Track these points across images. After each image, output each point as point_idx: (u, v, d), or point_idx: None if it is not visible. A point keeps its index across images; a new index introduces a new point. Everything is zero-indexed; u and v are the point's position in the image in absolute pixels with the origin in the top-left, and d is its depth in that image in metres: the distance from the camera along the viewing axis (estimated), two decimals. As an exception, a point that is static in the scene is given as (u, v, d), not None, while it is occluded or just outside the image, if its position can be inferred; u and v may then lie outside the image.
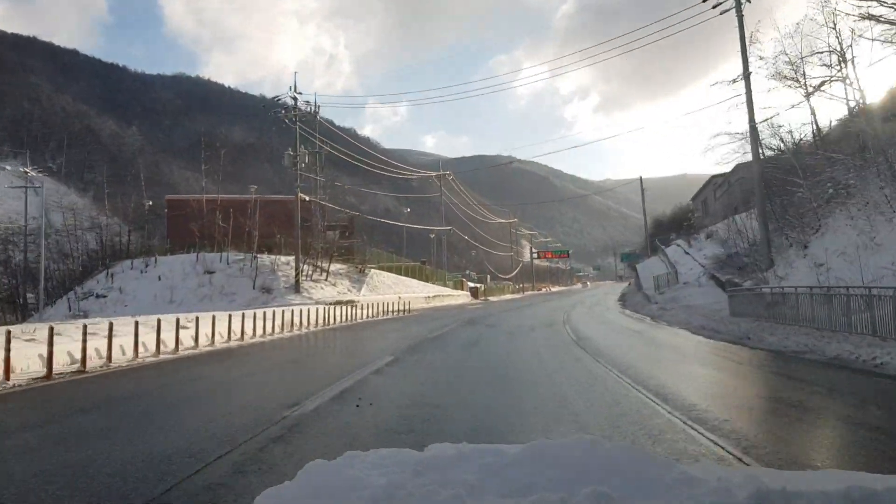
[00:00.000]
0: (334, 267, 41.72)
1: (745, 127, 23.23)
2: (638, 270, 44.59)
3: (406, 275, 52.80)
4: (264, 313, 21.40)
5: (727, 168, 43.18)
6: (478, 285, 68.61)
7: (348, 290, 39.22)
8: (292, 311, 24.07)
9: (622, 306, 35.96)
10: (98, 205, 64.52)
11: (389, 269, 51.48)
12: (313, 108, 44.52)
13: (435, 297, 50.60)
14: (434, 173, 63.43)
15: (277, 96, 36.40)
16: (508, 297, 77.25)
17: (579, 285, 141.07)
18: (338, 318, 26.82)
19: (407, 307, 41.35)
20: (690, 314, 22.64)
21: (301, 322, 23.53)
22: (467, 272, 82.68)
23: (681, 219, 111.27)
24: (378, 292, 41.75)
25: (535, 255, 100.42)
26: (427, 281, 57.63)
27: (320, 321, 25.11)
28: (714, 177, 59.50)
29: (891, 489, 2.28)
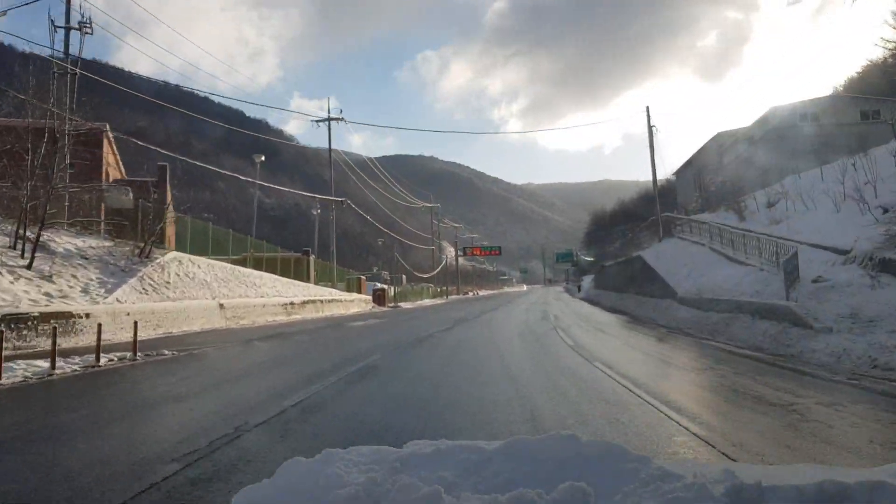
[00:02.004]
0: (80, 244, 20.15)
1: None
2: (648, 261, 25.18)
3: (265, 269, 31.56)
4: None
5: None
6: (384, 286, 47.84)
7: (85, 287, 17.72)
8: None
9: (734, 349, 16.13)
10: None
11: (238, 261, 30.28)
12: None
13: (307, 303, 29.62)
14: (321, 118, 42.33)
15: None
16: (428, 302, 56.92)
17: (511, 288, 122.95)
18: None
19: (221, 325, 20.40)
20: None
21: None
22: (376, 270, 61.90)
23: (635, 210, 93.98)
24: (170, 294, 20.39)
25: (460, 252, 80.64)
26: (304, 279, 36.53)
27: None
28: (720, 135, 41.25)
29: (862, 483, 2.21)
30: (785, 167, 30.29)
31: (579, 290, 62.75)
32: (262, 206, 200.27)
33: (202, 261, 24.83)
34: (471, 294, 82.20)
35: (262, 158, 32.27)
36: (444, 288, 70.80)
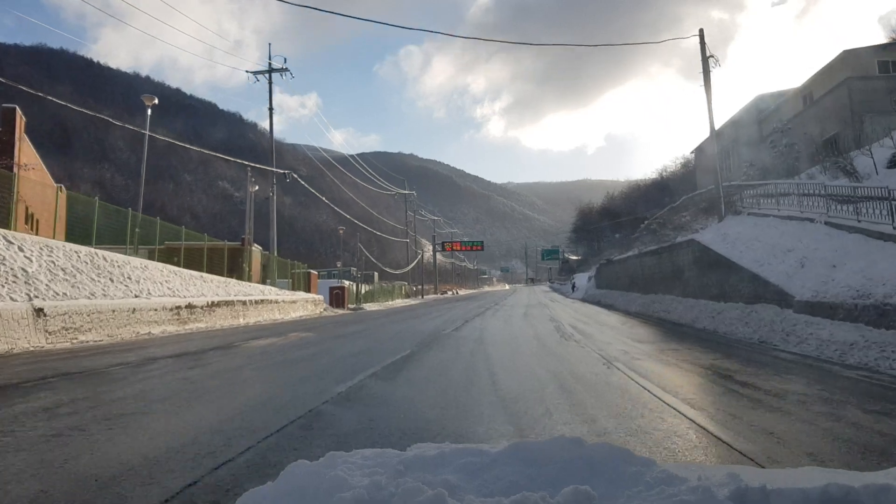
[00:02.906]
0: None
1: None
2: (714, 248, 16.75)
3: (160, 260, 22.76)
4: None
5: None
6: (343, 284, 38.74)
7: None
8: None
9: None
10: None
11: (164, 252, 21.50)
12: None
13: (218, 305, 20.77)
14: (260, 70, 33.47)
15: None
16: (399, 303, 48.21)
17: (492, 287, 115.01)
18: None
19: (32, 343, 11.63)
20: None
21: None
22: (340, 265, 52.99)
23: (625, 204, 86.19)
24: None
25: (438, 247, 71.96)
26: (237, 274, 27.81)
27: None
28: (761, 99, 33.08)
29: (868, 486, 2.13)
30: (876, 123, 22.21)
31: (573, 289, 54.44)
32: (231, 200, 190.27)
33: (32, 241, 15.89)
34: (449, 293, 73.53)
35: (155, 101, 23.30)
36: (420, 286, 62.01)
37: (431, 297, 66.14)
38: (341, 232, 42.37)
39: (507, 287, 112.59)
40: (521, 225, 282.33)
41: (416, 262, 58.32)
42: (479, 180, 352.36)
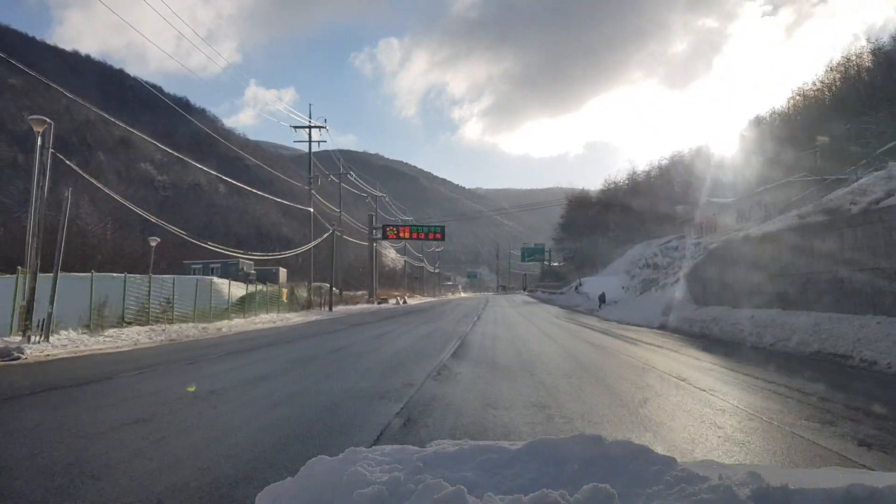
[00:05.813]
0: None
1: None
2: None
3: None
4: None
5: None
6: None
7: None
8: None
9: None
10: None
11: None
12: None
13: None
14: None
15: None
16: (260, 322, 22.45)
17: (456, 295, 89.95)
18: None
19: None
20: None
21: None
22: (153, 245, 27.13)
23: (625, 195, 62.83)
24: None
25: (378, 233, 46.40)
26: None
27: None
28: None
29: (892, 487, 2.03)
30: None
31: (602, 303, 29.57)
32: (152, 184, 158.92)
33: None
34: (392, 302, 48.22)
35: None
36: (339, 291, 36.09)
37: (360, 307, 40.40)
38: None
39: (464, 295, 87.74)
40: (490, 230, 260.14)
41: (317, 242, 32.27)
42: (447, 183, 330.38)
